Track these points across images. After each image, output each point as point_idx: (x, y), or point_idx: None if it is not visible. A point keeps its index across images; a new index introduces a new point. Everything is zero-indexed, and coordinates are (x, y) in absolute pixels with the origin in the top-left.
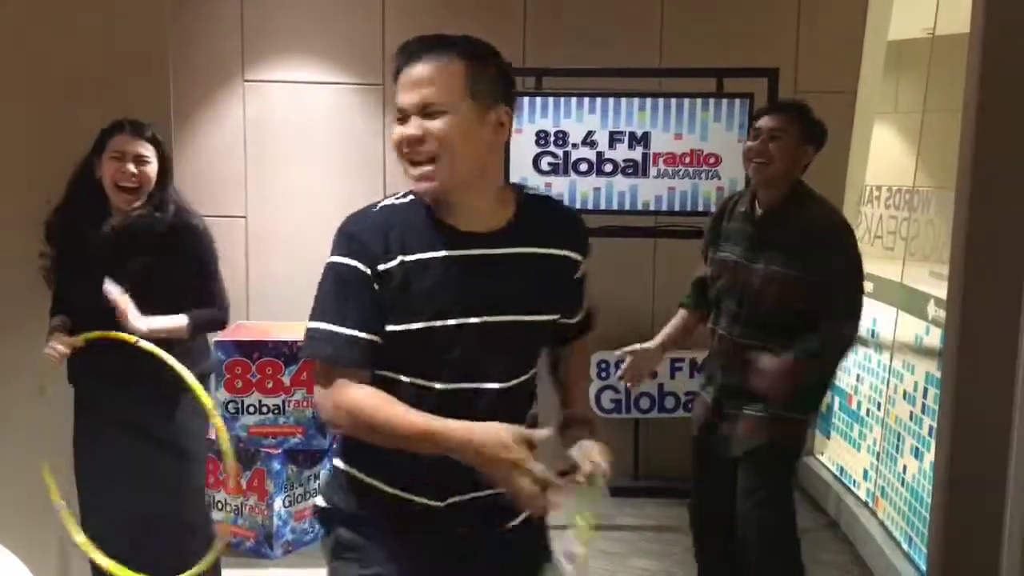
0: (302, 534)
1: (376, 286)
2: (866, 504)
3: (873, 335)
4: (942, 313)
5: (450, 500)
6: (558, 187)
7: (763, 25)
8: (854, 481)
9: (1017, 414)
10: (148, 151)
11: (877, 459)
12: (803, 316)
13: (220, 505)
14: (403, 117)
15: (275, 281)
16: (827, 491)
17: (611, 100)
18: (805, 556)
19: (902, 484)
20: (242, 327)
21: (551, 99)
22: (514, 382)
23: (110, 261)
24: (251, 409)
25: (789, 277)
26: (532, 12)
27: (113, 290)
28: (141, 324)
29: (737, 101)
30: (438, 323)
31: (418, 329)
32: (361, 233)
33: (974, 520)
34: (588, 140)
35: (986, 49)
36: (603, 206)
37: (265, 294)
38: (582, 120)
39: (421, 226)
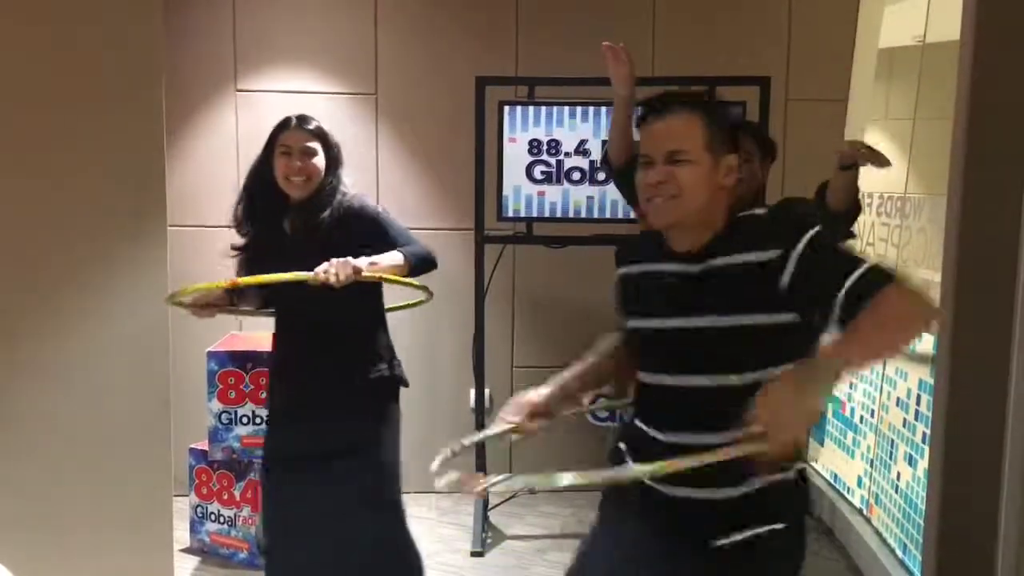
0: None
1: None
2: (860, 511)
3: None
4: None
5: None
6: (551, 196)
7: (755, 34)
8: (848, 488)
9: (1010, 420)
10: (314, 144)
11: (871, 466)
12: None
13: (214, 516)
14: (649, 162)
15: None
16: (821, 498)
17: (604, 109)
18: None
19: (896, 491)
20: (235, 337)
21: (544, 108)
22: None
23: (293, 254)
24: (244, 420)
25: None
26: (524, 22)
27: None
28: (360, 263)
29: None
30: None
31: None
32: None
33: (968, 526)
34: (581, 149)
35: (976, 56)
36: (596, 215)
37: None
38: (575, 129)
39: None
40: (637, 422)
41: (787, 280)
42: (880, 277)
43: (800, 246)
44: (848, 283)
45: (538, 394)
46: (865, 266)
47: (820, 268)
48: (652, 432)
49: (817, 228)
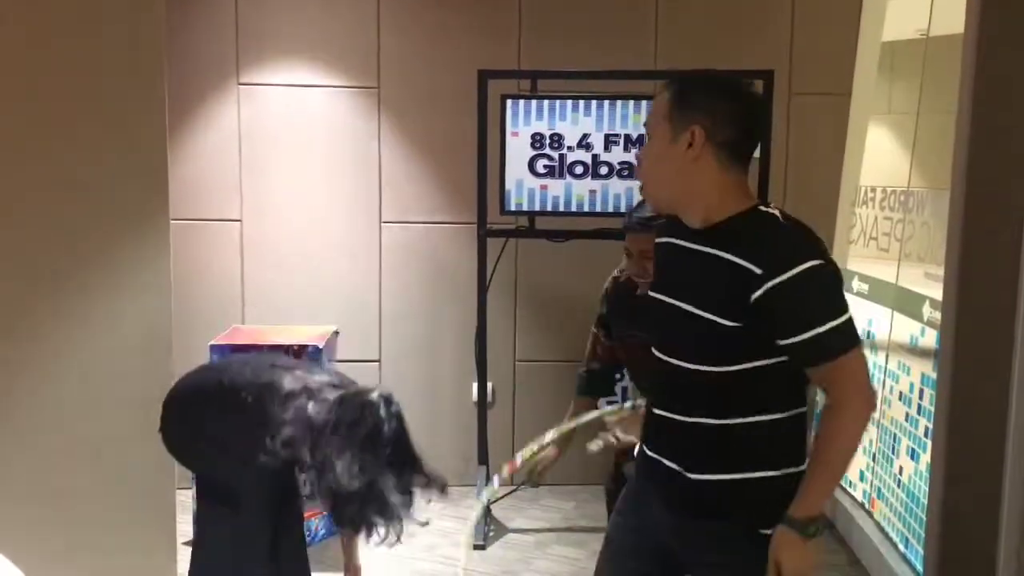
0: None
1: None
2: (862, 505)
3: (869, 336)
4: (937, 314)
5: None
6: (554, 190)
7: (758, 27)
8: (850, 482)
9: (1012, 414)
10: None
11: (873, 460)
12: None
13: None
14: None
15: (270, 285)
16: None
17: (606, 103)
18: None
19: (898, 485)
20: (238, 331)
21: (546, 102)
22: (690, 367)
23: None
24: None
25: None
26: (527, 15)
27: None
28: None
29: None
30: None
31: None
32: None
33: (969, 520)
34: (584, 143)
35: (980, 50)
36: (599, 209)
37: (260, 298)
38: (577, 123)
39: None
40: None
41: (756, 299)
42: (832, 347)
43: (782, 278)
44: (805, 335)
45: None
46: (825, 327)
47: (787, 305)
48: (651, 407)
49: (810, 264)
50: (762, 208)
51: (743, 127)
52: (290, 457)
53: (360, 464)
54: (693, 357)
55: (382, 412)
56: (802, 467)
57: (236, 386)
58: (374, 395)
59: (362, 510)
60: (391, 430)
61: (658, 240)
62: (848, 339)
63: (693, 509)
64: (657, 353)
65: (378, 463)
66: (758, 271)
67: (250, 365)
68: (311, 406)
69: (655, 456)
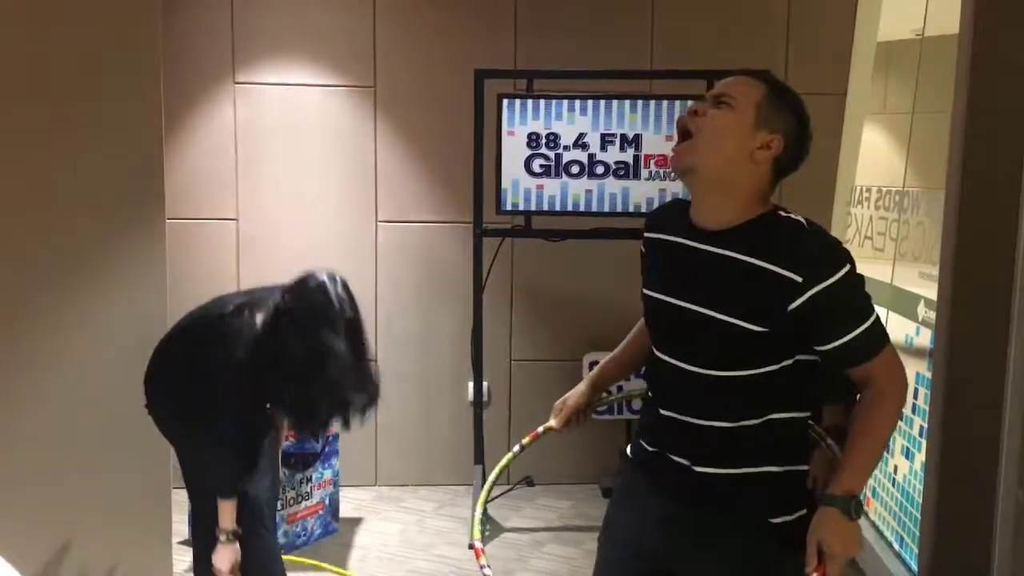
0: (295, 537)
1: None
2: None
3: None
4: (932, 314)
5: None
6: (550, 189)
7: (753, 26)
8: None
9: (1006, 414)
10: None
11: None
12: None
13: None
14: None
15: (266, 283)
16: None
17: (602, 102)
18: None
19: (893, 484)
20: None
21: (542, 101)
22: (706, 372)
23: None
24: None
25: None
26: (523, 15)
27: None
28: None
29: None
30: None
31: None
32: None
33: (964, 519)
34: (580, 142)
35: (975, 50)
36: (595, 208)
37: None
38: (573, 122)
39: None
40: (649, 394)
41: (796, 307)
42: (872, 345)
43: (823, 285)
44: (846, 339)
45: (577, 394)
46: (863, 327)
47: (829, 311)
48: (657, 407)
49: (847, 269)
50: (782, 213)
51: (800, 154)
52: (251, 366)
53: (316, 338)
54: (707, 361)
55: (330, 288)
56: (802, 466)
57: (190, 324)
58: (321, 275)
59: (326, 404)
60: (340, 300)
61: (653, 236)
62: (883, 335)
63: (696, 500)
64: (660, 355)
65: (336, 337)
66: (798, 279)
67: (209, 307)
68: (260, 315)
69: (656, 450)
